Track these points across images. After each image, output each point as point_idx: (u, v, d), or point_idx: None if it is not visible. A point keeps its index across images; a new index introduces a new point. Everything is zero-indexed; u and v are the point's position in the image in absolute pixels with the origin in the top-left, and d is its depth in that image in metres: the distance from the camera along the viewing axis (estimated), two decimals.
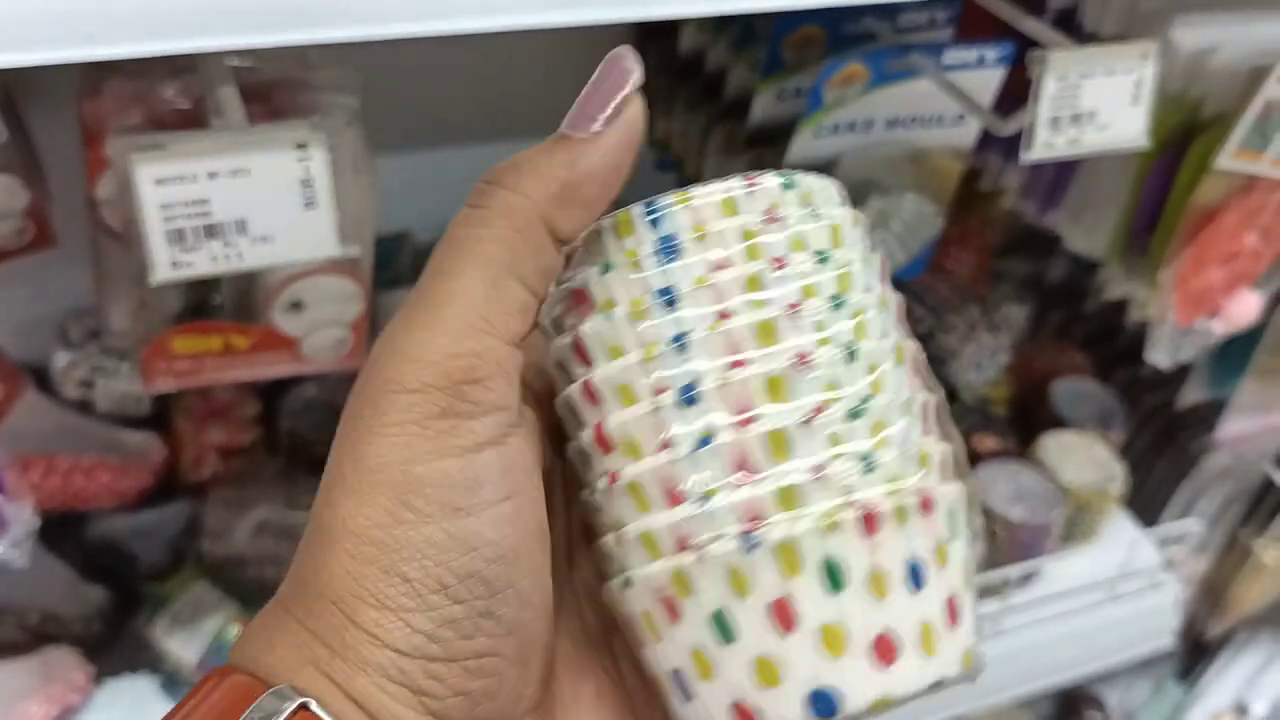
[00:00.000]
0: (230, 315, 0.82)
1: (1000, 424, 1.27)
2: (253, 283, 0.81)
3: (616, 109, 0.32)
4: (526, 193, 0.32)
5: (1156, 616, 1.27)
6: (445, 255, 0.33)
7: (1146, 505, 1.51)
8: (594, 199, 0.33)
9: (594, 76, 0.32)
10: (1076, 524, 1.24)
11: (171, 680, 0.94)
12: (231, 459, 1.10)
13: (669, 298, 0.33)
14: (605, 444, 0.33)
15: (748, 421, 0.32)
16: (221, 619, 0.95)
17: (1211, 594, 1.65)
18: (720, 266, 0.33)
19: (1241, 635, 1.86)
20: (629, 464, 0.33)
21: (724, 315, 0.32)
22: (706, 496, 0.31)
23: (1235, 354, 1.24)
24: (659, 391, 0.32)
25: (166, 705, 0.94)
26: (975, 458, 1.24)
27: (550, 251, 0.33)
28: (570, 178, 0.32)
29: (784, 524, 0.31)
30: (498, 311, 0.31)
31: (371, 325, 1.18)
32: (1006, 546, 1.16)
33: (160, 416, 1.12)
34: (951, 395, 1.27)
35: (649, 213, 0.34)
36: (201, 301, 0.84)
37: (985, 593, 1.19)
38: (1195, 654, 1.80)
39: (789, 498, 0.31)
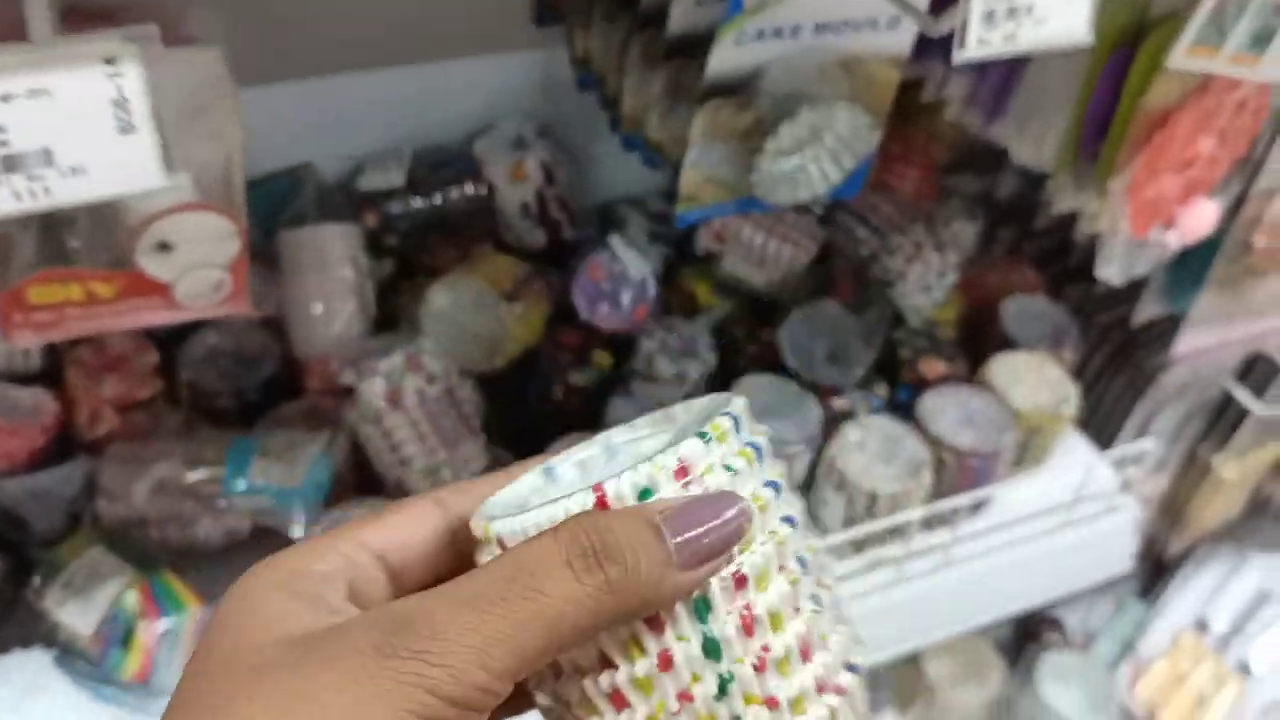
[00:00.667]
0: (92, 261, 0.75)
1: (948, 347, 1.22)
2: (113, 224, 0.73)
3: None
4: None
5: (1115, 540, 1.24)
6: None
7: (1102, 426, 1.48)
8: None
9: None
10: (1029, 448, 1.20)
11: (66, 653, 0.88)
12: (129, 414, 1.03)
13: None
14: None
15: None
16: (118, 586, 0.89)
17: (1170, 512, 1.62)
18: None
19: (1201, 551, 1.85)
20: None
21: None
22: None
23: (1192, 266, 1.19)
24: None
25: (62, 681, 0.88)
26: (923, 383, 1.19)
27: None
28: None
29: None
30: None
31: (266, 264, 1.11)
32: (955, 474, 1.12)
33: (51, 372, 1.04)
34: (897, 319, 1.22)
35: None
36: (59, 247, 0.76)
37: (934, 523, 1.15)
38: (1155, 572, 1.79)
39: None
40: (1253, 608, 1.80)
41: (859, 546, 1.10)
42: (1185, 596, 1.79)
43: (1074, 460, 1.25)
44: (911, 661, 1.57)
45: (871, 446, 1.12)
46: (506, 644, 0.30)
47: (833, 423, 1.14)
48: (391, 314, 1.17)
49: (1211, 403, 1.54)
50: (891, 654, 1.14)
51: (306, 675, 0.29)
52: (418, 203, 1.16)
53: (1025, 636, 1.75)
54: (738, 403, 0.38)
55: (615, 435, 0.44)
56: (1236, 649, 1.76)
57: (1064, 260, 1.57)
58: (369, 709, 0.28)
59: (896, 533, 1.09)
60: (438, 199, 1.17)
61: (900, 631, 1.14)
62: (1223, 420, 1.55)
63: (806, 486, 1.15)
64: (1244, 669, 1.73)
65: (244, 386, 1.06)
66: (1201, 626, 1.77)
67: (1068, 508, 1.20)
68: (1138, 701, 1.68)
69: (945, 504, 1.09)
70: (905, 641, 1.15)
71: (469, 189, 1.18)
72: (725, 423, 0.36)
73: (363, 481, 1.03)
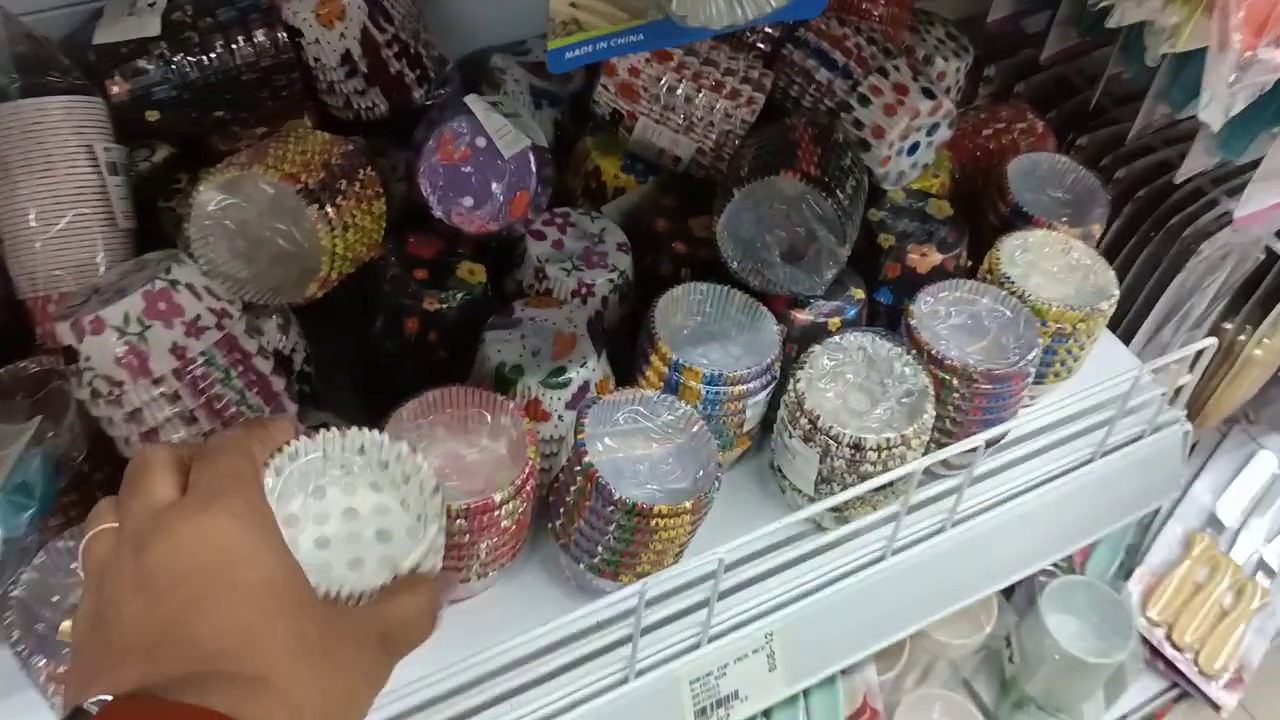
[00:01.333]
0: None
1: (943, 229, 0.91)
2: None
3: None
4: None
5: (1161, 465, 0.96)
6: None
7: (1121, 312, 1.19)
8: None
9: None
10: (1054, 357, 0.90)
11: None
12: None
13: None
14: None
15: None
16: None
17: (1193, 400, 1.36)
18: None
19: (1206, 442, 1.61)
20: None
21: None
22: None
23: (1262, 104, 0.87)
24: None
25: None
26: (912, 279, 0.88)
27: None
28: None
29: None
30: None
31: None
32: (965, 404, 0.82)
33: None
34: (873, 193, 0.90)
35: None
36: None
37: (945, 468, 0.86)
38: None
39: None
40: (1269, 499, 1.57)
41: (839, 512, 0.81)
42: (1195, 494, 1.55)
43: (1107, 366, 0.96)
44: None
45: (850, 377, 0.81)
46: None
47: (796, 345, 0.83)
48: (163, 230, 0.82)
49: (1244, 275, 1.26)
50: (884, 643, 0.87)
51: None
52: (184, 62, 0.79)
53: None
54: None
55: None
56: (1249, 546, 1.54)
57: (1063, 102, 1.25)
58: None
59: (889, 490, 0.80)
60: (214, 54, 0.80)
61: (891, 614, 0.86)
62: (1259, 291, 1.27)
63: (767, 427, 0.84)
64: (1264, 569, 1.51)
65: None
66: (1214, 525, 1.54)
67: (1104, 431, 0.91)
68: (1152, 618, 1.45)
69: (954, 449, 0.79)
70: (901, 626, 0.87)
71: (261, 38, 0.81)
72: None
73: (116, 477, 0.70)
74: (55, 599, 0.67)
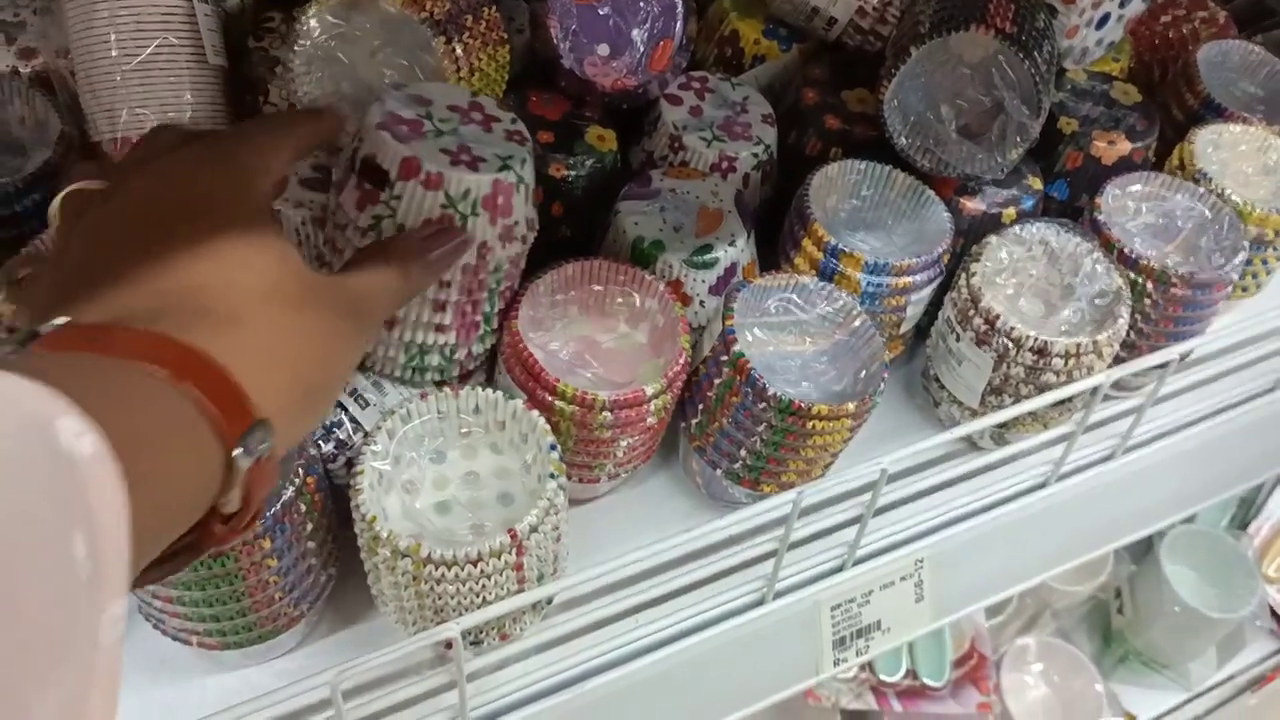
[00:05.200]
0: None
1: (1132, 116, 0.79)
2: None
3: None
4: None
5: None
6: None
7: None
8: None
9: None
10: (1249, 268, 0.79)
11: None
12: None
13: None
14: None
15: None
16: None
17: None
18: None
19: None
20: None
21: None
22: None
23: None
24: None
25: None
26: (1098, 170, 0.77)
27: None
28: None
29: None
30: None
31: None
32: (1155, 313, 0.71)
33: None
34: (1058, 74, 0.78)
35: None
36: None
37: (1116, 388, 0.76)
38: None
39: None
40: None
41: (1001, 430, 0.71)
42: None
43: None
44: None
45: (1034, 271, 0.70)
46: None
47: (964, 239, 0.73)
48: (254, 73, 0.73)
49: None
50: (1040, 578, 0.77)
51: None
52: None
53: None
54: None
55: None
56: None
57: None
58: None
59: (1065, 406, 0.70)
60: None
61: (1050, 547, 0.77)
62: None
63: (921, 334, 0.75)
64: None
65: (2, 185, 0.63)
66: None
67: None
68: (1268, 574, 1.35)
69: (1147, 360, 0.69)
70: (1059, 560, 0.78)
71: None
72: None
73: None
74: None
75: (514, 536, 0.51)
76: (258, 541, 0.50)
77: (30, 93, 0.68)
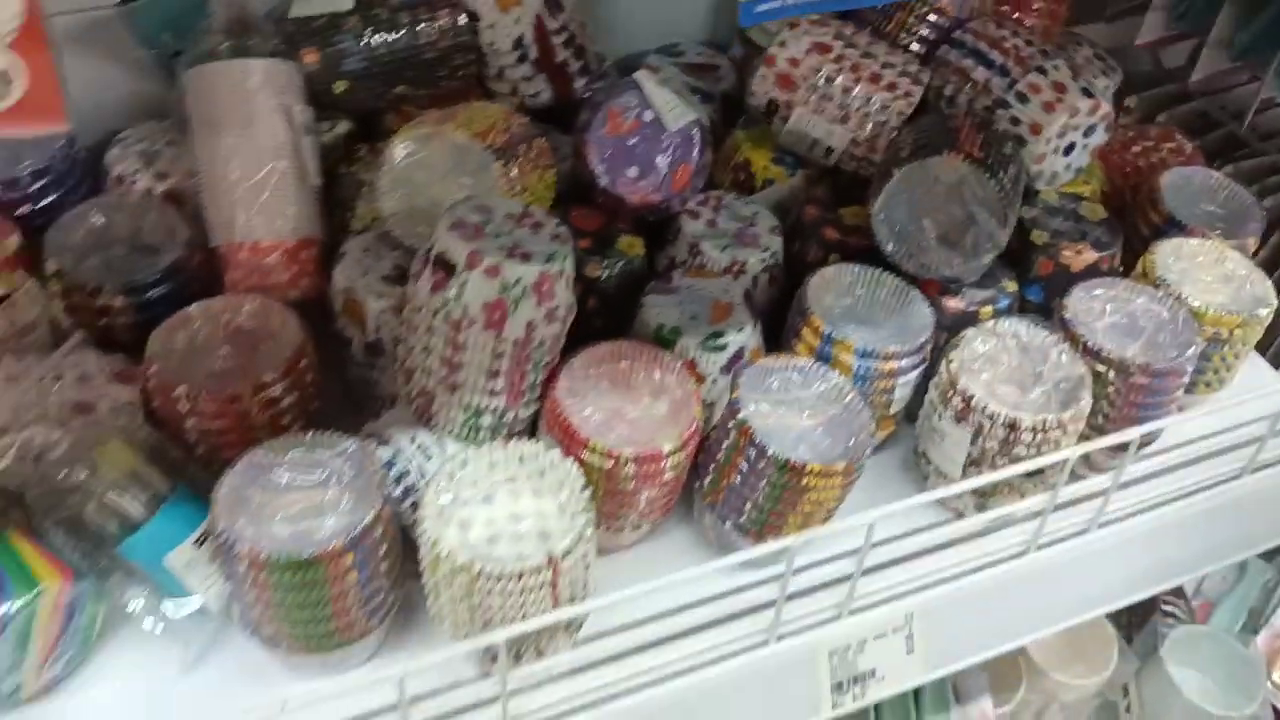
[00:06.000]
0: None
1: (1098, 230, 0.91)
2: None
3: None
4: None
5: None
6: None
7: (1268, 340, 1.16)
8: None
9: None
10: (1208, 364, 0.89)
11: None
12: None
13: None
14: None
15: None
16: None
17: None
18: None
19: None
20: None
21: None
22: None
23: None
24: None
25: None
26: (1064, 277, 0.88)
27: None
28: None
29: None
30: None
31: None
32: (1119, 399, 0.81)
33: None
34: (1027, 192, 0.90)
35: None
36: None
37: (1092, 470, 0.85)
38: None
39: None
40: None
41: (983, 500, 0.80)
42: None
43: (1256, 387, 0.94)
44: None
45: (1007, 360, 0.81)
46: None
47: (946, 334, 0.84)
48: (342, 194, 0.87)
49: None
50: (1024, 640, 0.85)
51: None
52: (374, 38, 0.85)
53: (1138, 606, 1.45)
54: None
55: None
56: None
57: (1207, 134, 1.24)
58: None
59: (1038, 479, 0.79)
60: (401, 32, 0.86)
61: (1033, 611, 0.85)
62: None
63: (911, 417, 0.85)
64: None
65: (136, 280, 0.77)
66: None
67: (1255, 448, 0.89)
68: (1277, 681, 1.38)
69: (1111, 439, 0.78)
70: (1042, 624, 0.85)
71: (443, 20, 0.86)
72: None
73: None
74: None
75: (551, 559, 0.61)
76: (343, 556, 0.61)
77: (163, 207, 0.83)
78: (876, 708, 1.15)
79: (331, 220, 0.85)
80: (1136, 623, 1.37)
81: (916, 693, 1.16)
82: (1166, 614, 1.37)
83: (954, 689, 1.17)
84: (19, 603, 0.63)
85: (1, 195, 0.81)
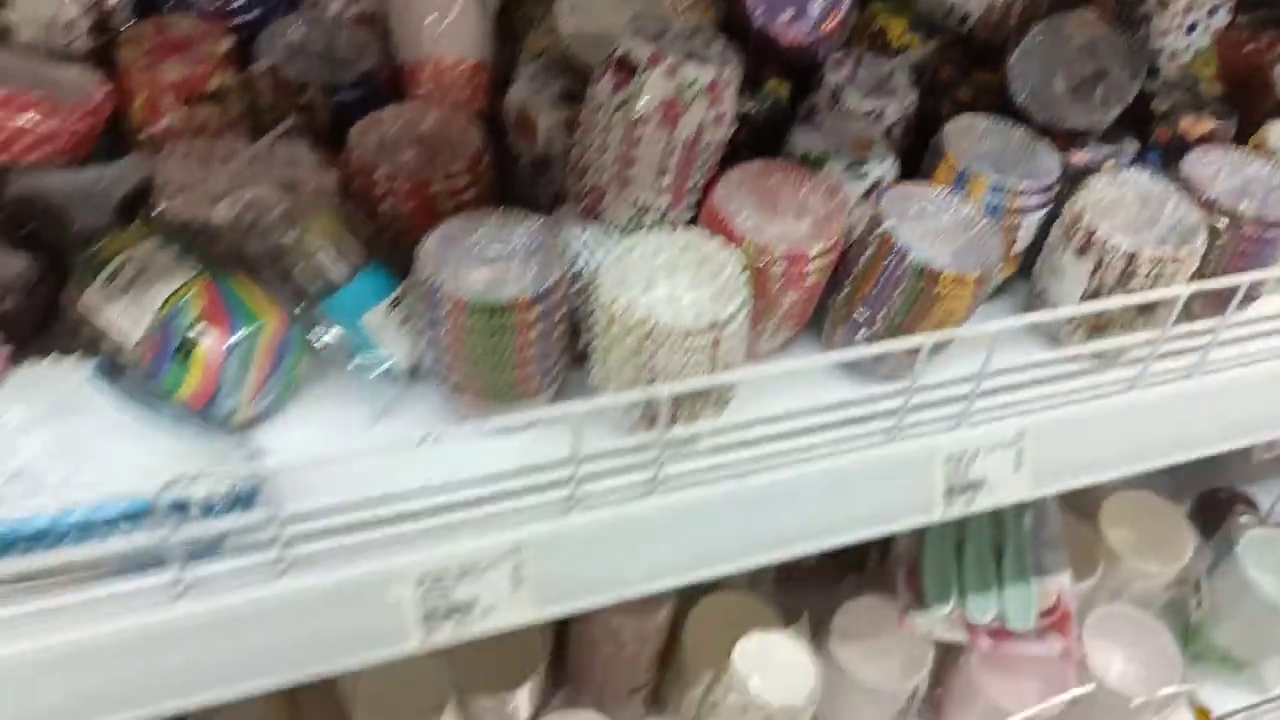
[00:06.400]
0: None
1: (1216, 105, 0.96)
2: None
3: None
4: None
5: None
6: None
7: None
8: None
9: None
10: None
11: (112, 365, 0.70)
12: (196, 107, 0.83)
13: None
14: None
15: None
16: (176, 284, 0.70)
17: None
18: None
19: None
20: None
21: None
22: None
23: None
24: None
25: (104, 397, 0.70)
26: (1181, 144, 0.93)
27: None
28: None
29: None
30: None
31: None
32: (1229, 250, 0.86)
33: (103, 53, 0.84)
34: (1149, 67, 0.95)
35: None
36: None
37: (1197, 309, 0.90)
38: None
39: None
40: None
41: (1095, 329, 0.86)
42: None
43: None
44: (1089, 521, 1.33)
45: (1128, 205, 0.87)
46: None
47: (1072, 182, 0.89)
48: (512, 29, 0.95)
49: None
50: (1123, 472, 0.91)
51: None
52: None
53: (1211, 511, 1.50)
54: None
55: None
56: None
57: None
58: None
59: (1150, 315, 0.85)
60: None
61: (1135, 446, 0.91)
62: None
63: (1033, 252, 0.90)
64: None
65: (337, 79, 0.85)
66: None
67: None
68: None
69: (1224, 280, 0.84)
70: (1139, 459, 0.91)
71: None
72: None
73: None
74: None
75: (714, 324, 0.69)
76: (530, 308, 0.69)
77: (354, 27, 0.91)
78: (960, 571, 1.21)
79: (501, 53, 0.93)
80: (1212, 526, 1.42)
81: (999, 561, 1.22)
82: (1238, 519, 1.41)
83: (1035, 564, 1.23)
84: (245, 331, 0.72)
85: (216, 8, 0.90)
